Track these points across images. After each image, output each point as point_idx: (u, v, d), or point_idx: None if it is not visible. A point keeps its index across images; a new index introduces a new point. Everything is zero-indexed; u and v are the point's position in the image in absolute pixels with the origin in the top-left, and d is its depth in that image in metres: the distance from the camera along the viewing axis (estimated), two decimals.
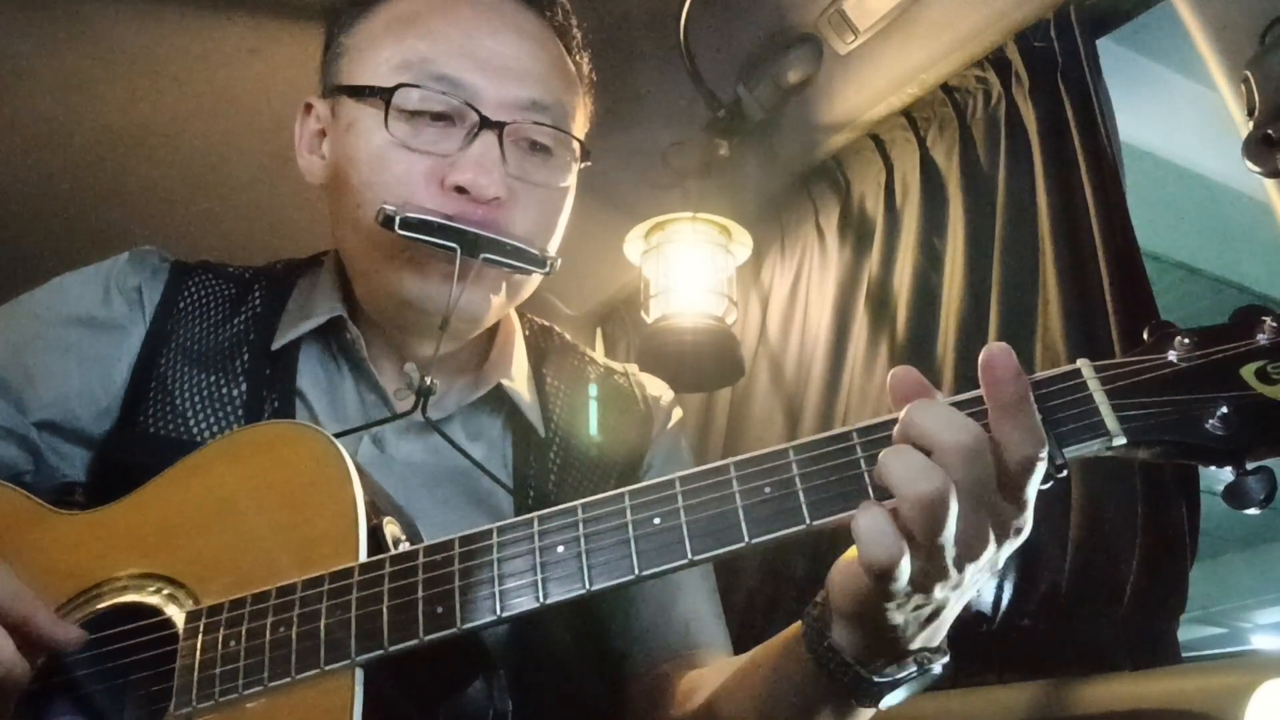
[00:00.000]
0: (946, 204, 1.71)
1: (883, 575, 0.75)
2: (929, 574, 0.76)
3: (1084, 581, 1.35)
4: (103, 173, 2.17)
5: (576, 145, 1.15)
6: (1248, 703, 1.09)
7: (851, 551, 0.79)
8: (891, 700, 0.84)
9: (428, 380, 1.09)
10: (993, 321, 1.55)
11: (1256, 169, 1.15)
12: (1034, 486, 0.77)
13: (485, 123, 1.07)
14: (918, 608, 0.79)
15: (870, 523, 0.74)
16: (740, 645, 1.16)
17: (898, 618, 0.79)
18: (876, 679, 0.82)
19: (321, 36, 1.21)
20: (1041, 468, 0.76)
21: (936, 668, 0.84)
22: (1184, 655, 1.30)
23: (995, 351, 0.76)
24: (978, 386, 0.79)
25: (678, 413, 1.34)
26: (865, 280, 1.82)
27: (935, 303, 1.67)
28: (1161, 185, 2.40)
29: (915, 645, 0.82)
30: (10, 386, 1.11)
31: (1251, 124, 1.17)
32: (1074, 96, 1.51)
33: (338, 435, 0.99)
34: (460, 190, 1.06)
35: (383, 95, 1.07)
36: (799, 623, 0.90)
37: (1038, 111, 1.56)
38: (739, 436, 2.03)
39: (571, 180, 1.16)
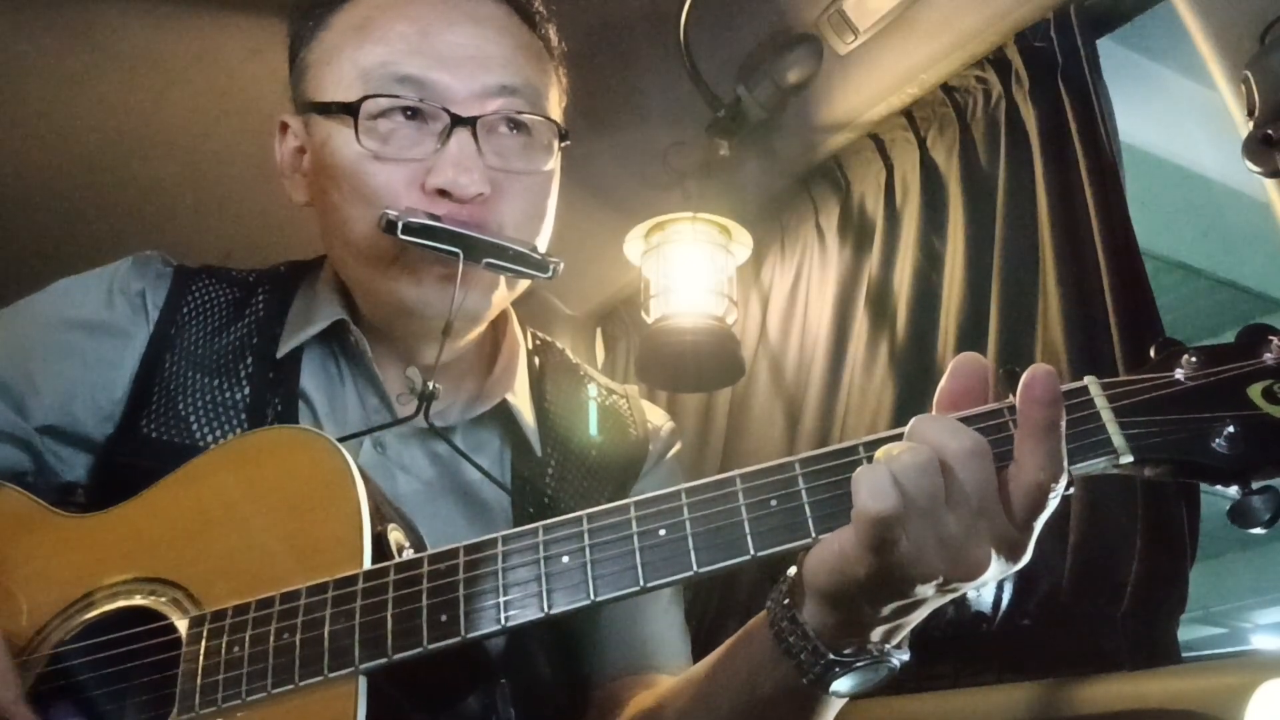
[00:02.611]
0: (946, 204, 1.70)
1: (875, 528, 0.74)
2: (916, 563, 0.76)
3: (1084, 581, 1.35)
4: (103, 173, 2.17)
5: (554, 126, 1.13)
6: (1248, 703, 1.10)
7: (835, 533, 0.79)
8: (840, 686, 0.83)
9: (430, 385, 1.09)
10: (993, 321, 1.55)
11: (1256, 169, 1.15)
12: (1043, 516, 0.77)
13: (456, 120, 1.05)
14: (892, 598, 0.79)
15: (870, 473, 0.75)
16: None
17: (870, 603, 0.79)
18: (833, 656, 0.81)
19: None
20: (1054, 500, 0.76)
21: (894, 660, 0.83)
22: (1184, 655, 1.30)
23: (1038, 373, 0.76)
24: None
25: (677, 445, 1.33)
26: (865, 280, 1.82)
27: (935, 303, 1.67)
28: (1161, 185, 2.40)
29: (877, 636, 0.82)
30: (12, 390, 1.11)
31: (1251, 124, 1.17)
32: (1074, 96, 1.51)
33: (340, 439, 0.99)
34: (442, 193, 1.05)
35: (349, 110, 1.06)
36: (754, 618, 0.90)
37: (1038, 111, 1.56)
38: (739, 436, 2.03)
39: (554, 163, 1.14)
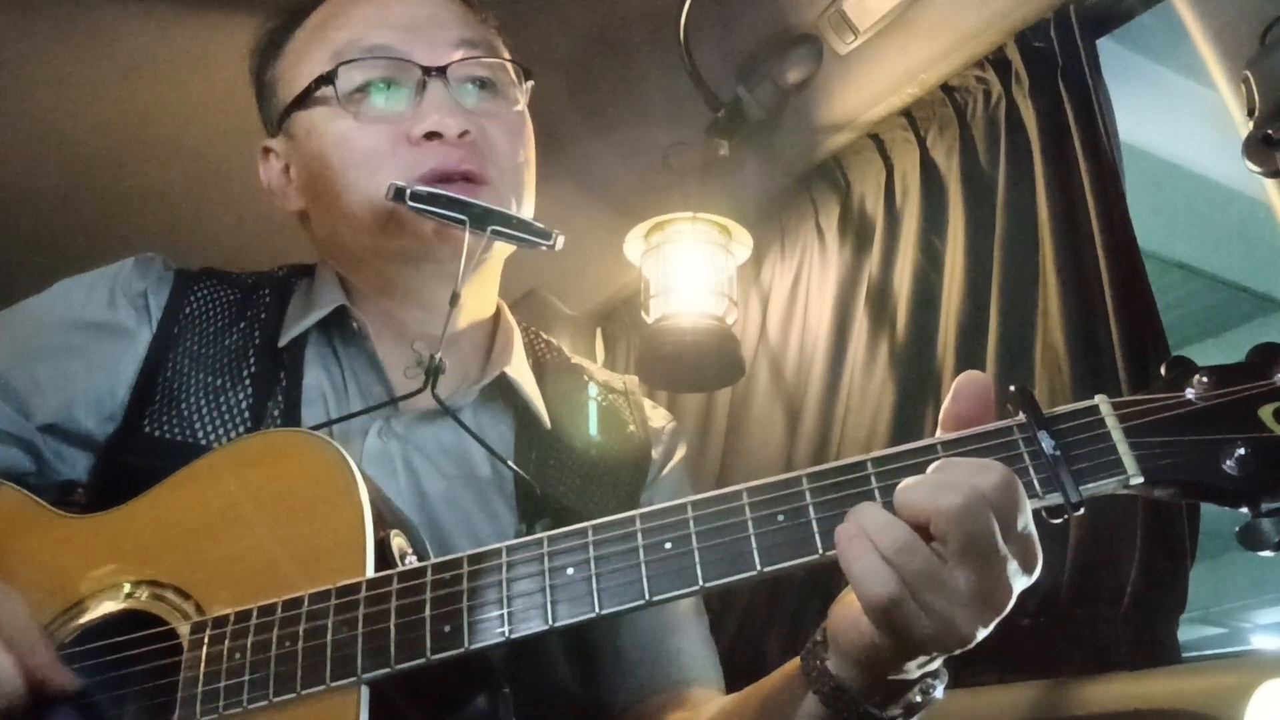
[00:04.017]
0: (946, 204, 1.71)
1: (884, 612, 0.74)
2: (946, 634, 0.75)
3: (1084, 581, 1.36)
4: (102, 173, 2.16)
5: (512, 68, 1.20)
6: (1248, 703, 1.10)
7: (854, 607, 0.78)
8: None
9: (436, 357, 1.09)
10: (992, 321, 1.55)
11: (1256, 169, 1.16)
12: (1023, 522, 0.76)
13: (427, 72, 1.13)
14: (931, 659, 0.79)
15: (860, 559, 0.74)
16: (733, 666, 1.17)
17: (908, 664, 0.79)
18: (885, 714, 0.82)
19: None
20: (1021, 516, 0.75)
21: (938, 691, 0.83)
22: (1184, 655, 1.30)
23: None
24: None
25: (682, 448, 1.32)
26: (865, 280, 1.82)
27: (935, 303, 1.67)
28: (1161, 185, 2.40)
29: (918, 675, 0.82)
30: (14, 391, 1.11)
31: (1251, 124, 1.17)
32: (1074, 96, 1.52)
33: (348, 416, 1.04)
34: (429, 137, 1.10)
35: (327, 80, 1.13)
36: (796, 659, 0.89)
37: (1038, 111, 1.56)
38: (739, 437, 2.03)
39: (524, 105, 1.21)
